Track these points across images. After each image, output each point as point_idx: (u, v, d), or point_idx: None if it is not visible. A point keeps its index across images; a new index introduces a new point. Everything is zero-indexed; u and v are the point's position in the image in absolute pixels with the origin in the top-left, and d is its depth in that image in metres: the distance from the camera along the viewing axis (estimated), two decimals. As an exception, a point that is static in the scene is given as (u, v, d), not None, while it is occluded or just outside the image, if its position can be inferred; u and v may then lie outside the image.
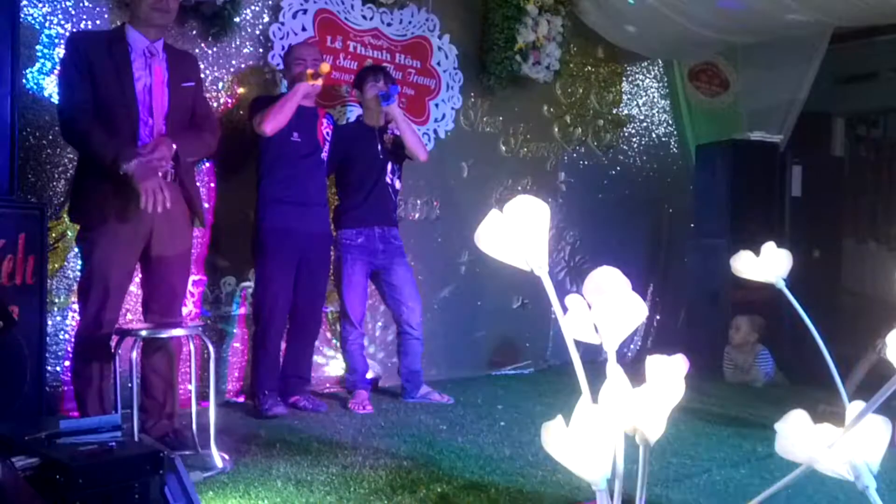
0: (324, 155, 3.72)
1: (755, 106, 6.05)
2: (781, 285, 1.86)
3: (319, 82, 3.54)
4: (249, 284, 3.87)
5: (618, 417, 1.24)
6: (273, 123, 3.41)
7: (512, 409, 3.81)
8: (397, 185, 3.97)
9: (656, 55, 5.87)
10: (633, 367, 1.40)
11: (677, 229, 5.89)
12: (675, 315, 5.77)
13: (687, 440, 3.24)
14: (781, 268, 1.88)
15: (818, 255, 5.37)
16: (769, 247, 1.88)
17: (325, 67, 3.58)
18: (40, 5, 3.25)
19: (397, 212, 4.05)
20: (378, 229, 3.85)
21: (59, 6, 3.30)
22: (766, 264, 1.87)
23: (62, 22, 3.30)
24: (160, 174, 2.74)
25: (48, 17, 3.27)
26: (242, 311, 3.90)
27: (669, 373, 1.26)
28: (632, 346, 5.63)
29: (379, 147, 3.87)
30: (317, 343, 3.91)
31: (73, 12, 3.33)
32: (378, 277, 3.93)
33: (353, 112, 4.19)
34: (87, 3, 3.36)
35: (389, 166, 3.90)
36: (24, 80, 3.12)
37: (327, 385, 4.18)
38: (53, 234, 3.17)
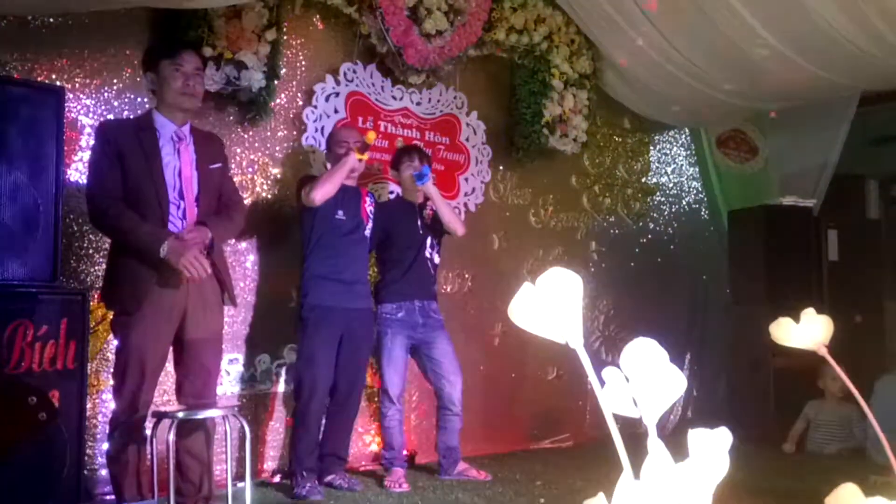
0: (366, 232, 3.78)
1: (786, 170, 6.05)
2: (824, 352, 1.82)
3: (366, 156, 3.64)
4: (284, 362, 3.88)
5: (662, 494, 1.21)
6: (322, 192, 3.47)
7: (551, 485, 3.71)
8: (436, 259, 4.00)
9: (683, 124, 5.93)
10: (674, 439, 1.37)
11: (713, 296, 5.82)
12: (715, 384, 5.64)
13: (735, 515, 3.12)
14: (823, 334, 1.84)
15: (860, 319, 5.25)
16: (809, 313, 1.84)
17: (371, 136, 3.69)
18: (83, 97, 3.39)
19: (436, 286, 4.06)
20: (418, 303, 3.86)
21: (101, 97, 3.44)
22: (806, 331, 1.84)
23: (105, 113, 3.44)
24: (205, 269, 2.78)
25: (91, 109, 3.42)
26: (277, 389, 3.90)
27: (713, 446, 1.22)
28: (672, 418, 5.50)
29: (419, 223, 3.93)
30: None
31: (115, 104, 3.47)
32: (419, 352, 3.92)
33: (387, 188, 4.27)
34: (128, 95, 3.50)
35: (429, 241, 3.94)
36: (67, 170, 3.23)
37: (363, 462, 4.13)
38: (94, 318, 3.23)
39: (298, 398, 3.58)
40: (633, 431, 1.51)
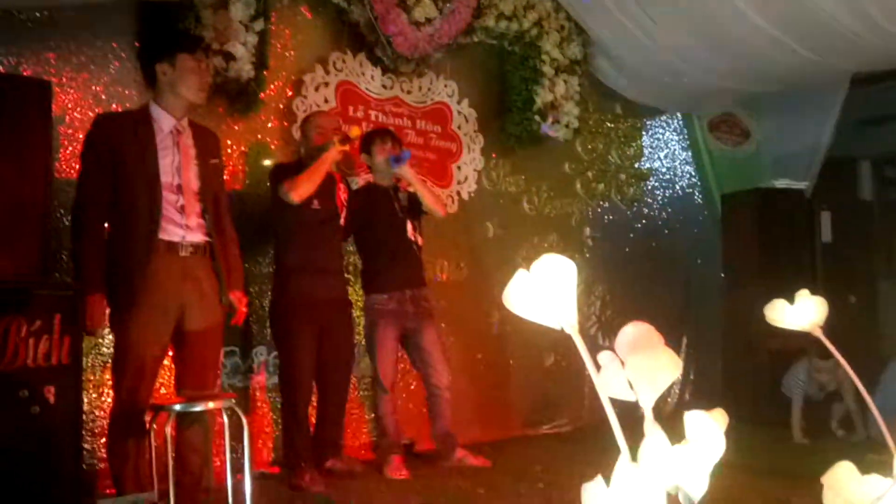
0: (341, 221, 3.74)
1: (778, 153, 6.04)
2: (819, 333, 1.82)
3: (347, 147, 3.58)
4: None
5: (659, 476, 1.21)
6: (302, 191, 3.41)
7: (550, 471, 3.72)
8: (419, 241, 3.96)
9: (674, 108, 5.92)
10: (672, 422, 1.37)
11: (707, 280, 5.83)
12: (712, 366, 5.66)
13: (731, 496, 3.14)
14: (817, 315, 1.84)
15: (854, 300, 5.27)
16: (803, 294, 1.85)
17: (355, 131, 3.61)
18: (71, 91, 3.37)
19: (423, 270, 4.02)
20: (409, 292, 3.84)
21: (89, 91, 3.42)
22: (801, 312, 1.84)
23: (93, 106, 3.41)
24: None
25: (79, 103, 3.39)
26: (274, 380, 3.90)
27: (709, 427, 1.23)
28: (669, 400, 5.52)
29: (396, 206, 3.89)
30: (348, 409, 3.88)
31: (103, 97, 3.45)
32: (406, 340, 3.91)
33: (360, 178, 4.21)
34: (116, 88, 3.48)
35: (409, 224, 3.90)
36: (56, 164, 3.21)
37: (361, 452, 4.13)
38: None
39: (283, 389, 3.57)
40: (631, 415, 1.52)
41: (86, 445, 3.15)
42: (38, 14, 3.27)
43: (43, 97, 2.78)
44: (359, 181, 4.18)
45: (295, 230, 3.55)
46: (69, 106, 3.36)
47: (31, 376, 2.46)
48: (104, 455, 3.17)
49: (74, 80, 3.38)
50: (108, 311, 2.80)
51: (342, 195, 3.76)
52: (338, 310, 3.68)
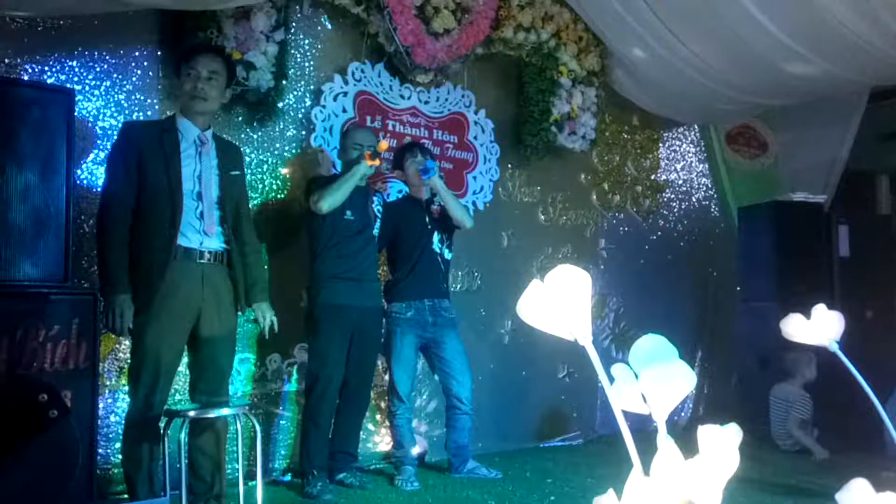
0: (375, 231, 3.79)
1: (796, 166, 6.02)
2: (835, 348, 1.81)
3: (378, 162, 3.64)
4: (295, 361, 3.90)
5: (671, 490, 1.21)
6: (330, 201, 3.48)
7: (562, 483, 3.71)
8: (447, 254, 3.99)
9: (692, 120, 5.91)
10: (685, 436, 1.36)
11: (723, 293, 5.80)
12: (726, 380, 5.63)
13: (746, 512, 3.12)
14: (834, 330, 1.83)
15: (871, 315, 5.22)
16: (820, 309, 1.83)
17: (382, 145, 3.72)
18: (94, 99, 3.42)
19: (448, 282, 4.06)
20: (428, 301, 3.86)
21: (111, 99, 3.46)
22: (817, 327, 1.83)
23: (115, 114, 3.46)
24: None
25: (101, 110, 3.44)
26: (288, 388, 3.92)
27: (723, 442, 1.22)
28: (683, 414, 5.49)
29: (426, 218, 3.93)
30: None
31: (125, 105, 3.49)
32: (428, 350, 3.93)
33: (395, 187, 4.27)
34: (138, 96, 3.52)
35: (437, 236, 3.94)
36: (78, 171, 3.26)
37: (373, 461, 4.14)
38: (105, 318, 3.25)
39: (310, 396, 3.59)
40: (644, 428, 1.51)
41: (100, 450, 3.17)
42: (61, 22, 3.32)
43: (66, 105, 2.82)
44: (385, 190, 4.22)
45: (329, 239, 3.60)
46: (92, 114, 3.40)
47: (48, 380, 2.48)
48: (118, 460, 3.20)
49: (97, 89, 3.43)
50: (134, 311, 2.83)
51: (374, 207, 3.81)
52: (370, 319, 3.71)
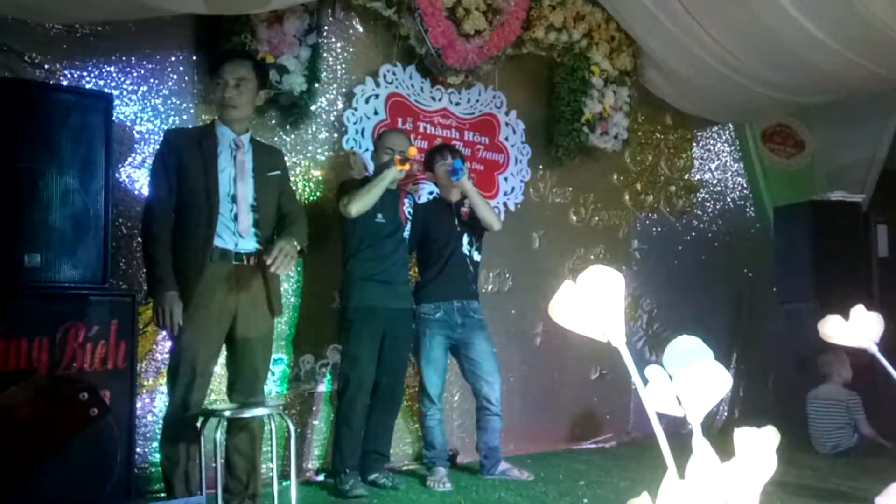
0: (405, 233, 3.81)
1: (834, 165, 5.92)
2: (874, 350, 1.78)
3: (407, 167, 3.67)
4: (327, 362, 3.93)
5: (707, 494, 1.20)
6: (359, 206, 3.52)
7: (595, 486, 3.69)
8: (476, 256, 4.00)
9: (726, 119, 5.84)
10: (720, 439, 1.35)
11: (759, 294, 5.72)
12: (762, 383, 5.55)
13: (783, 517, 3.07)
14: (873, 332, 1.80)
15: (912, 316, 5.11)
16: (859, 310, 1.80)
17: (412, 151, 3.74)
18: (131, 104, 3.48)
19: (476, 284, 4.07)
20: (457, 303, 3.87)
21: (148, 104, 3.52)
22: (856, 328, 1.80)
23: (151, 119, 3.52)
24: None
25: (138, 115, 3.50)
26: (321, 389, 3.94)
27: (760, 445, 1.21)
28: (718, 418, 5.42)
29: (455, 220, 3.94)
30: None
31: (161, 109, 3.55)
32: (457, 351, 3.93)
33: (426, 189, 4.28)
34: (174, 101, 3.58)
35: (466, 238, 3.95)
36: (116, 174, 3.32)
37: (405, 462, 4.15)
38: (143, 319, 3.30)
39: (343, 397, 3.62)
40: (678, 431, 1.50)
41: (138, 449, 3.22)
42: (99, 29, 3.38)
43: (105, 109, 2.87)
44: (423, 194, 4.24)
45: (361, 242, 3.63)
46: (129, 118, 3.47)
47: (88, 380, 2.53)
48: (155, 459, 3.25)
49: (134, 93, 3.49)
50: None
51: (405, 209, 3.83)
52: (401, 320, 3.73)
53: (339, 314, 3.68)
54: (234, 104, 3.00)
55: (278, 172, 3.15)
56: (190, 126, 3.51)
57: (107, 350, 2.66)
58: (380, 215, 3.66)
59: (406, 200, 3.88)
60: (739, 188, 6.04)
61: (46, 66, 3.27)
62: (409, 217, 3.85)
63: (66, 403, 1.46)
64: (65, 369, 2.57)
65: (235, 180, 2.98)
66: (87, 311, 2.63)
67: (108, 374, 2.64)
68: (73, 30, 3.33)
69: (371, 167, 3.92)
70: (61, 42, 3.30)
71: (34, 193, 2.65)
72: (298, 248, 2.99)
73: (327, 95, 4.06)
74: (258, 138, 3.26)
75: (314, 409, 3.93)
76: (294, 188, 3.89)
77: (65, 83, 3.28)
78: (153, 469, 3.30)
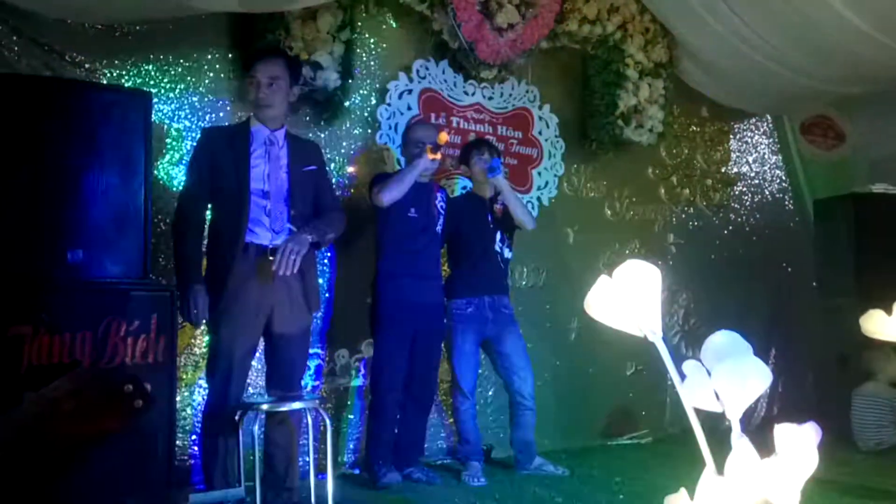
0: (438, 228, 3.81)
1: (875, 156, 5.79)
2: (919, 346, 1.74)
3: (439, 156, 3.66)
4: (363, 356, 3.95)
5: (746, 490, 1.18)
6: (391, 194, 3.52)
7: (631, 481, 3.66)
8: (507, 254, 4.00)
9: (764, 111, 5.74)
10: (759, 436, 1.33)
11: (798, 288, 5.62)
12: (802, 379, 5.46)
13: (824, 514, 3.02)
14: (917, 327, 1.76)
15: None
16: (902, 305, 1.77)
17: (442, 137, 3.72)
18: (169, 102, 3.53)
19: (508, 280, 4.07)
20: (488, 298, 3.87)
21: (185, 102, 3.57)
22: (899, 323, 1.76)
23: (189, 116, 3.57)
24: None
25: (176, 113, 3.55)
26: (356, 383, 3.97)
27: (800, 442, 1.19)
28: (756, 414, 5.34)
29: (489, 217, 3.94)
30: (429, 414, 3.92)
31: (198, 107, 3.60)
32: (489, 346, 3.93)
33: (461, 183, 4.29)
34: (211, 98, 3.62)
35: (499, 235, 3.94)
36: (155, 171, 3.37)
37: (439, 457, 4.17)
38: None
39: (374, 392, 3.64)
40: (716, 427, 1.48)
41: (177, 441, 3.28)
42: (137, 28, 3.44)
43: (144, 107, 2.91)
44: (461, 190, 4.24)
45: (393, 237, 3.65)
46: (167, 116, 3.52)
47: (130, 373, 2.58)
48: (194, 451, 3.31)
49: (171, 91, 3.54)
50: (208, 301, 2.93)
51: (438, 204, 3.83)
52: (432, 315, 3.74)
53: (371, 309, 3.70)
54: (268, 103, 3.03)
55: (315, 167, 3.17)
56: (226, 123, 3.55)
57: (147, 344, 2.70)
58: (412, 209, 3.66)
59: (439, 195, 3.88)
60: (778, 181, 5.93)
61: (87, 66, 3.33)
62: (442, 212, 3.85)
63: (110, 395, 1.49)
64: (107, 363, 2.61)
65: (269, 176, 3.01)
66: (127, 306, 2.67)
67: (149, 368, 2.68)
68: (112, 29, 3.38)
69: (403, 163, 3.92)
70: (101, 41, 3.36)
71: (76, 190, 2.69)
72: (312, 239, 2.98)
73: (361, 91, 4.07)
74: (289, 131, 3.28)
75: (349, 403, 3.97)
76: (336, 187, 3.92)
77: (104, 82, 3.34)
78: (192, 461, 3.35)
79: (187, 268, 2.96)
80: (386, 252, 3.66)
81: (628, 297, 1.35)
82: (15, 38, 3.16)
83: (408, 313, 3.62)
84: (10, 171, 2.59)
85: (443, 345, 3.88)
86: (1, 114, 2.59)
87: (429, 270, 3.74)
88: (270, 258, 2.91)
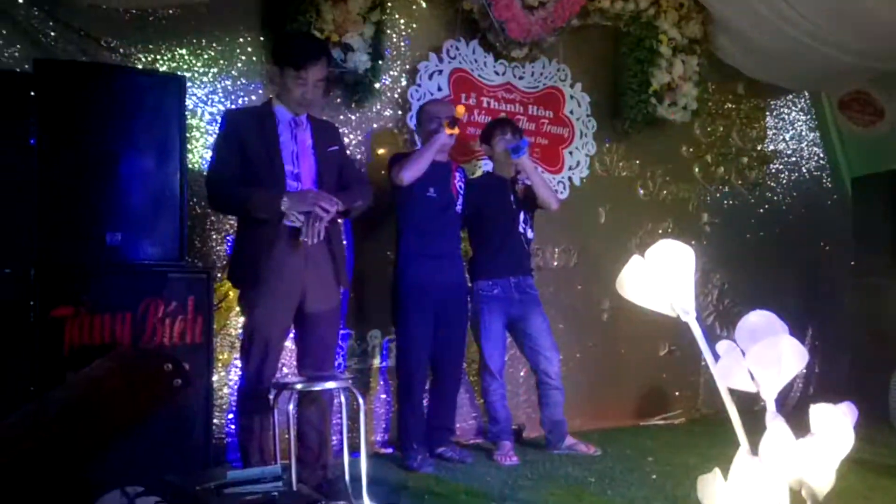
0: (458, 208, 3.81)
1: (916, 133, 5.65)
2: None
3: (457, 131, 3.64)
4: (394, 337, 3.98)
5: (781, 471, 1.18)
6: (411, 172, 3.52)
7: (664, 461, 3.66)
8: (529, 234, 3.99)
9: (801, 87, 5.63)
10: (795, 417, 1.32)
11: (836, 267, 5.53)
12: (839, 360, 5.38)
13: (858, 494, 2.99)
14: (958, 306, 1.72)
15: None
16: (942, 284, 1.73)
17: (460, 109, 3.71)
18: (202, 85, 3.56)
19: (531, 261, 4.06)
20: (513, 279, 3.87)
21: (218, 85, 3.60)
22: (940, 303, 1.73)
23: (222, 100, 3.60)
24: (318, 224, 2.89)
25: (209, 96, 3.58)
26: (388, 363, 4.01)
27: (836, 422, 1.18)
28: (792, 394, 5.29)
29: (511, 197, 3.92)
30: (459, 395, 3.94)
31: (231, 90, 3.63)
32: (515, 327, 3.94)
33: (480, 166, 4.27)
34: (243, 81, 3.65)
35: (521, 216, 3.93)
36: (189, 155, 3.41)
37: (471, 437, 4.19)
38: (217, 295, 3.41)
39: (400, 372, 3.67)
40: (750, 408, 1.47)
41: (214, 420, 3.34)
42: (170, 12, 3.47)
43: (178, 91, 2.95)
44: (481, 171, 4.23)
45: (413, 217, 3.66)
46: (201, 99, 3.56)
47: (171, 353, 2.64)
48: (231, 430, 3.37)
49: (205, 75, 3.57)
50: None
51: (457, 183, 3.82)
52: (453, 294, 3.75)
53: (393, 290, 3.71)
54: (313, 102, 3.07)
55: (337, 147, 3.19)
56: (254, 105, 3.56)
57: (185, 325, 2.76)
58: (431, 189, 3.66)
59: (457, 174, 3.86)
60: (815, 158, 5.82)
61: (122, 51, 3.38)
62: (461, 191, 3.84)
63: (150, 374, 1.53)
64: (146, 343, 2.68)
65: (298, 158, 3.03)
66: (165, 288, 2.73)
67: (187, 348, 2.74)
68: (145, 14, 3.42)
69: (420, 143, 3.91)
70: (135, 26, 3.40)
71: (115, 174, 2.75)
72: (340, 207, 2.94)
73: (391, 72, 4.07)
74: (325, 118, 3.30)
75: (381, 382, 4.00)
76: (359, 166, 3.94)
77: (139, 66, 3.39)
78: (229, 439, 3.42)
79: (246, 195, 2.89)
80: (406, 232, 3.67)
81: (661, 278, 1.35)
82: (51, 23, 3.21)
83: (429, 293, 3.63)
84: (51, 156, 2.64)
85: (469, 326, 3.89)
86: (41, 99, 2.64)
87: (449, 250, 3.74)
88: (300, 232, 2.90)
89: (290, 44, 3.15)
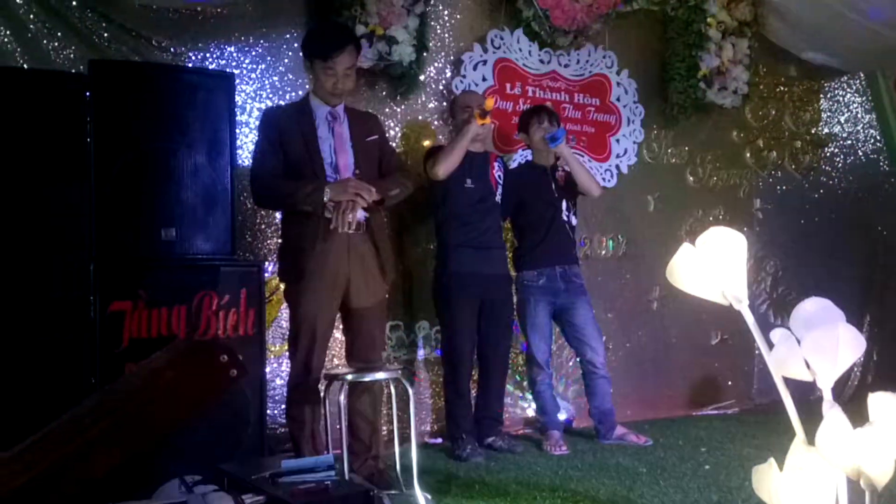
0: (497, 198, 3.80)
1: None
2: None
3: (488, 121, 3.64)
4: (428, 330, 4.00)
5: (839, 460, 1.16)
6: (445, 165, 3.53)
7: (717, 452, 3.61)
8: (573, 221, 3.97)
9: (856, 68, 5.46)
10: (853, 406, 1.30)
11: (893, 253, 5.37)
12: (898, 347, 5.24)
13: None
14: None
15: None
16: None
17: (489, 102, 3.69)
18: (251, 82, 3.62)
19: (577, 248, 4.04)
20: (559, 269, 3.85)
21: (266, 82, 3.66)
22: None
23: (270, 96, 3.65)
24: (353, 217, 2.92)
25: (258, 93, 3.64)
26: (436, 354, 4.03)
27: (896, 411, 1.15)
28: (849, 383, 5.16)
29: (553, 186, 3.90)
30: (507, 386, 3.95)
31: (278, 86, 3.68)
32: (560, 317, 3.92)
33: (519, 159, 4.25)
34: (290, 77, 3.70)
35: (564, 204, 3.91)
36: (239, 151, 3.47)
37: (519, 427, 4.19)
38: (269, 288, 3.47)
39: (446, 364, 3.69)
40: (806, 398, 1.45)
41: (269, 412, 3.40)
42: (218, 10, 3.53)
43: (228, 88, 3.00)
44: (516, 160, 4.22)
45: (452, 209, 3.66)
46: (249, 96, 3.61)
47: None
48: (283, 420, 3.43)
49: (253, 72, 3.63)
50: None
51: (496, 173, 3.81)
52: (498, 285, 3.75)
53: (435, 282, 3.72)
54: (343, 92, 3.08)
55: (376, 137, 3.20)
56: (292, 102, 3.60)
57: (238, 317, 2.81)
58: (469, 181, 3.66)
59: (496, 164, 3.85)
60: (872, 141, 5.65)
61: (172, 50, 3.45)
62: (499, 181, 3.83)
63: (207, 366, 1.57)
64: (201, 335, 2.74)
65: (336, 151, 3.05)
66: (218, 281, 2.79)
67: (240, 340, 2.79)
68: (195, 13, 3.49)
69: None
70: (185, 26, 3.47)
71: (168, 171, 2.81)
72: (376, 196, 2.96)
73: (436, 64, 4.08)
74: (370, 110, 3.31)
75: (430, 373, 4.03)
76: (405, 157, 3.95)
77: (190, 65, 3.46)
78: (281, 430, 3.48)
79: (290, 188, 2.94)
80: (446, 225, 3.68)
81: (712, 266, 1.33)
82: (104, 24, 3.30)
83: (473, 284, 3.63)
84: (108, 155, 2.72)
85: (515, 316, 3.89)
86: (96, 99, 2.72)
87: (491, 241, 3.73)
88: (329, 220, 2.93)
89: (316, 35, 3.16)
